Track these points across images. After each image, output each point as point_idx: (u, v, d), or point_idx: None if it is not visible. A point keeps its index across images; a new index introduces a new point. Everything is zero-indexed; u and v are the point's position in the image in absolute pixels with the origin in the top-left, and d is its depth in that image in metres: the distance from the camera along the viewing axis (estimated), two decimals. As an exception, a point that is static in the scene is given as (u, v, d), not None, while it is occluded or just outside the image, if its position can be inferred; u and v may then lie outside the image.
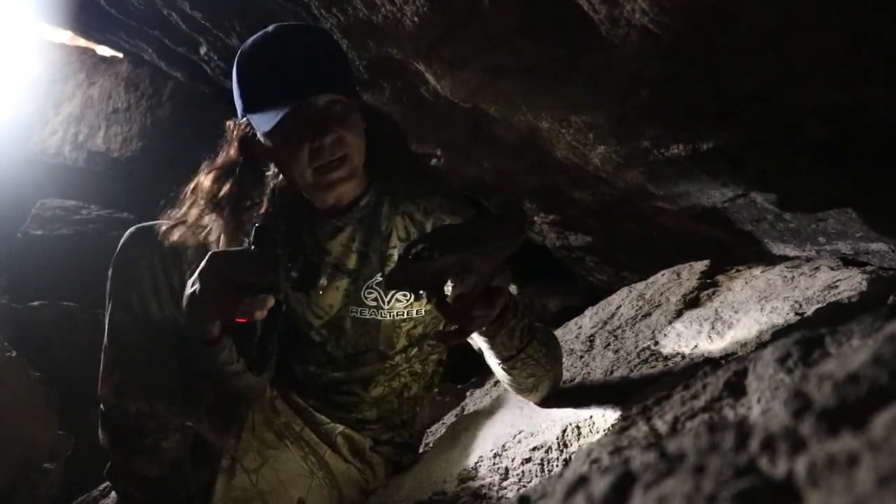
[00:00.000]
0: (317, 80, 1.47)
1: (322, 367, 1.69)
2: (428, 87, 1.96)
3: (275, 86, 1.46)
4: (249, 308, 1.32)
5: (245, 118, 1.53)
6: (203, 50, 3.13)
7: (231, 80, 1.57)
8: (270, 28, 1.53)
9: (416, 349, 1.71)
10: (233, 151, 1.59)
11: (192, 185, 1.59)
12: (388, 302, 1.64)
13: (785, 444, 0.44)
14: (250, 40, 1.52)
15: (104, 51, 5.44)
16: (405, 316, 1.66)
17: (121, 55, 5.24)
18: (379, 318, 1.64)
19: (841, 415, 0.44)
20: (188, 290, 1.35)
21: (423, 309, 1.67)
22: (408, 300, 1.63)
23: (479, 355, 1.59)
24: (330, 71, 1.51)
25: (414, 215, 1.66)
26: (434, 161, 2.57)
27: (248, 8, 2.40)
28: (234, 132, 1.59)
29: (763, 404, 0.68)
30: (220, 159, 1.60)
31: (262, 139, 1.54)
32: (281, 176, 1.64)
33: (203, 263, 1.32)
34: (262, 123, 1.46)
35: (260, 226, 1.36)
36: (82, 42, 5.36)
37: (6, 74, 5.87)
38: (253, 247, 1.35)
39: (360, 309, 1.64)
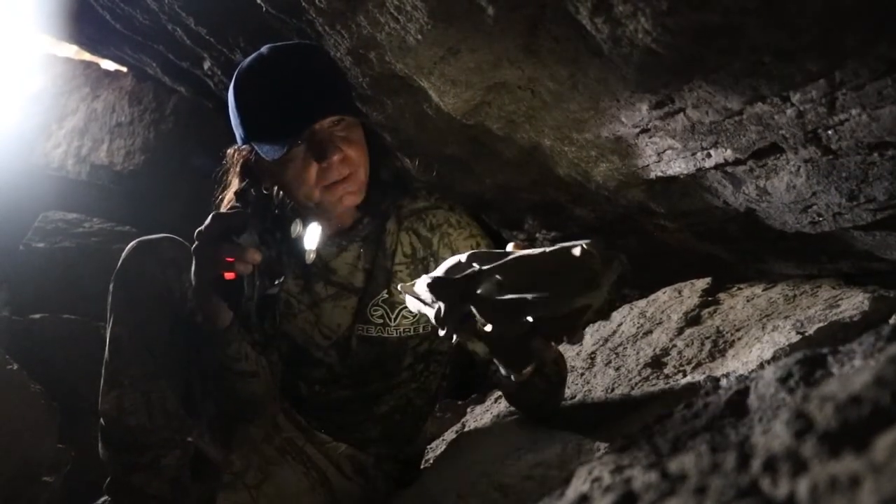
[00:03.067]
0: (319, 105, 1.47)
1: (327, 385, 1.69)
2: (430, 104, 1.97)
3: (277, 115, 1.45)
4: (234, 254, 1.31)
5: (246, 145, 1.54)
6: (207, 65, 3.14)
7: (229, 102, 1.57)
8: (264, 50, 1.52)
9: (422, 365, 1.70)
10: (235, 181, 1.60)
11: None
12: (395, 319, 1.63)
13: (787, 466, 0.44)
14: (246, 64, 1.51)
15: (108, 65, 5.47)
16: (412, 332, 1.65)
17: (125, 69, 5.26)
18: (385, 335, 1.64)
19: (843, 436, 0.44)
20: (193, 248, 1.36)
21: (430, 325, 1.66)
22: (414, 317, 1.63)
23: (479, 371, 1.59)
24: (330, 92, 1.51)
25: (420, 231, 1.66)
26: (435, 177, 2.58)
27: (252, 24, 2.41)
28: (235, 158, 1.61)
29: (764, 424, 0.68)
30: (226, 195, 1.62)
31: (264, 163, 1.55)
32: (282, 194, 1.65)
33: (205, 223, 1.34)
34: (270, 153, 1.46)
35: (242, 189, 1.44)
36: (87, 56, 5.38)
37: (10, 87, 5.90)
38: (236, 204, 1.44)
39: (366, 327, 1.64)
